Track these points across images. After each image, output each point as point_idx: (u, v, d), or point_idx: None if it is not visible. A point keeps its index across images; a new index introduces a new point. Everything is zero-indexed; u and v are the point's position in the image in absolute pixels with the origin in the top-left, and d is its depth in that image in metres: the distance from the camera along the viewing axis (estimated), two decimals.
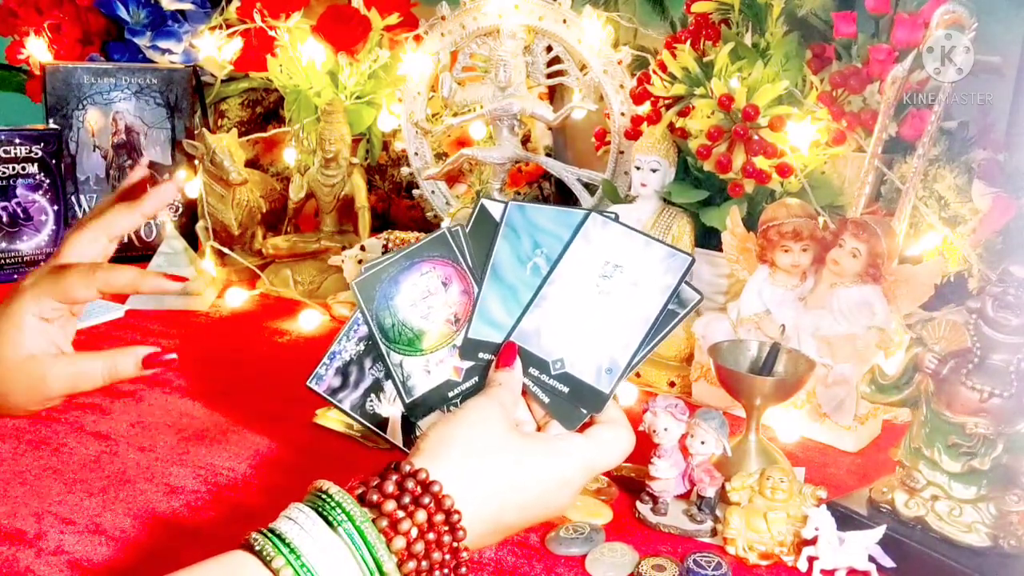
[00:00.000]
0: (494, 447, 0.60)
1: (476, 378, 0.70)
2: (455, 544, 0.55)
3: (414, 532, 0.54)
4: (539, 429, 0.68)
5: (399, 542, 0.53)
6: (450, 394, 0.71)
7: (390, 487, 0.55)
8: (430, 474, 0.56)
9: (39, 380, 0.71)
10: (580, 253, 0.71)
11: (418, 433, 0.71)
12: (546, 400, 0.67)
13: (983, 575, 0.66)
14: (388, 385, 0.72)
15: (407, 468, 0.56)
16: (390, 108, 1.47)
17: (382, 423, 0.72)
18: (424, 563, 0.54)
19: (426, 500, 0.55)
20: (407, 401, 0.71)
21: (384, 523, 0.54)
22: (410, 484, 0.55)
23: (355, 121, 1.46)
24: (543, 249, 0.72)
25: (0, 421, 0.88)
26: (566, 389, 0.67)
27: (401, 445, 0.72)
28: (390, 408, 0.72)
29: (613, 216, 0.72)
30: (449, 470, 0.57)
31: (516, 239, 0.72)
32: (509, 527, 0.61)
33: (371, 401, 0.72)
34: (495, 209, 0.74)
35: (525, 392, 0.68)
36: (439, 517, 0.55)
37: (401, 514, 0.54)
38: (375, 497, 0.55)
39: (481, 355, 0.70)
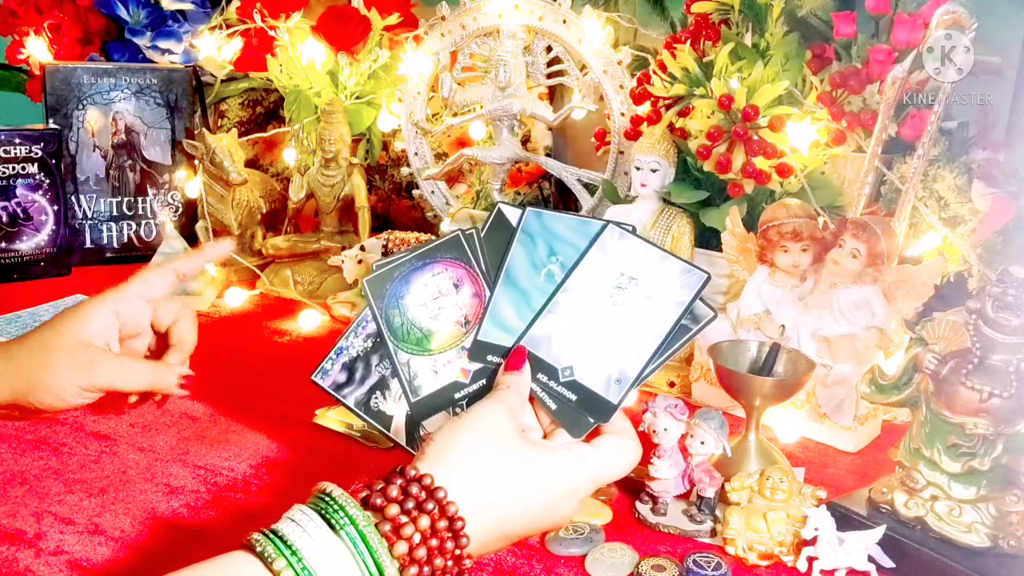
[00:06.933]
0: (500, 454, 0.60)
1: (483, 381, 0.70)
2: (458, 551, 0.55)
3: (417, 538, 0.53)
4: (545, 436, 0.68)
5: (401, 547, 0.53)
6: (456, 395, 0.71)
7: (394, 491, 0.55)
8: (435, 479, 0.56)
9: (87, 366, 0.74)
10: (596, 263, 0.71)
11: (422, 433, 0.71)
12: (553, 407, 0.67)
13: (983, 575, 0.66)
14: (394, 383, 0.72)
15: (412, 473, 0.56)
16: (390, 108, 1.47)
17: (386, 421, 0.72)
18: (426, 569, 0.54)
19: (430, 506, 0.55)
20: (412, 400, 0.71)
21: (387, 527, 0.53)
22: (414, 489, 0.55)
23: (355, 121, 1.46)
24: (559, 257, 0.72)
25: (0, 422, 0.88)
26: (574, 397, 0.67)
27: (404, 444, 0.72)
28: (395, 407, 0.72)
29: (631, 229, 0.72)
30: (454, 476, 0.57)
31: (532, 245, 0.72)
32: (513, 535, 0.61)
33: (376, 399, 0.72)
34: (512, 214, 0.74)
35: (532, 398, 0.68)
36: (443, 523, 0.55)
37: (404, 519, 0.54)
38: (379, 501, 0.54)
39: (490, 358, 0.70)
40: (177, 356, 0.80)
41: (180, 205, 1.55)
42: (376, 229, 1.43)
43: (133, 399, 0.81)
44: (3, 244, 1.40)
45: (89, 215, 1.51)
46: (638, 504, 0.78)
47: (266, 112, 1.71)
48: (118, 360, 0.76)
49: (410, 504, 0.54)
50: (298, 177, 1.44)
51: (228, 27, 1.55)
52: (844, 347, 0.92)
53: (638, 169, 1.10)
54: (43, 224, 1.43)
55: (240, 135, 1.51)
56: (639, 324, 0.68)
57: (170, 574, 0.51)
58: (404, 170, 1.52)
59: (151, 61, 1.59)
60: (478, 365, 0.71)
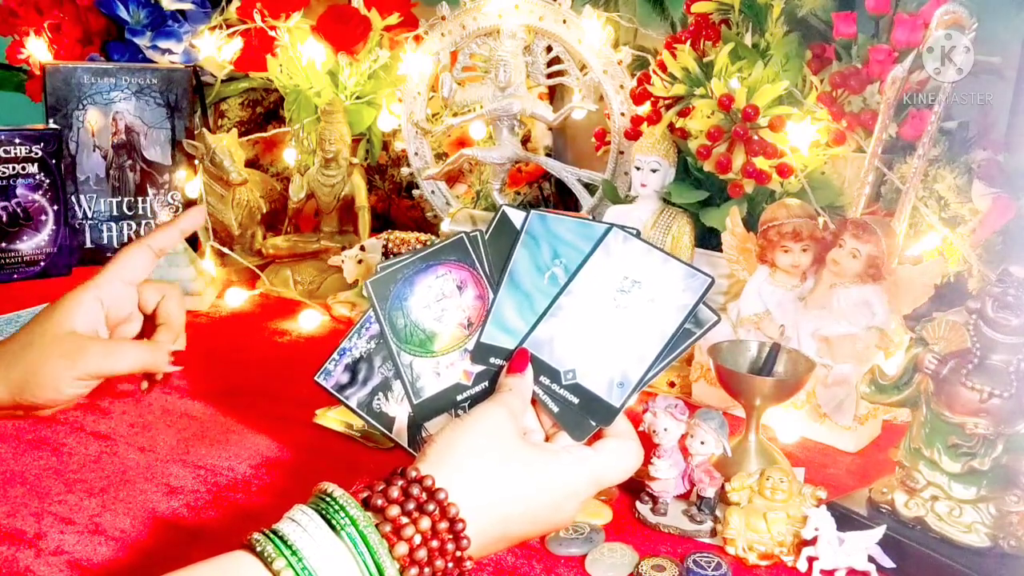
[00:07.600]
0: (502, 456, 0.60)
1: (486, 383, 0.70)
2: (458, 553, 0.55)
3: (417, 539, 0.53)
4: (547, 439, 0.68)
5: (402, 548, 0.53)
6: (459, 397, 0.71)
7: (395, 492, 0.55)
8: (436, 481, 0.56)
9: (76, 353, 0.72)
10: (599, 266, 0.71)
11: (424, 435, 0.71)
12: (555, 410, 0.67)
13: (983, 575, 0.66)
14: (397, 385, 0.72)
15: (413, 474, 0.56)
16: (390, 108, 1.47)
17: (388, 422, 0.72)
18: (427, 570, 0.54)
19: (431, 507, 0.55)
20: (415, 402, 0.71)
21: (387, 528, 0.53)
22: (415, 490, 0.55)
23: (355, 121, 1.46)
24: (562, 259, 0.72)
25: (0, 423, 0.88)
26: (576, 400, 0.67)
27: (406, 446, 0.72)
28: (397, 408, 0.72)
29: (635, 232, 0.72)
30: (455, 478, 0.57)
31: (536, 248, 0.72)
32: (514, 537, 0.61)
33: (378, 400, 0.72)
34: (516, 217, 0.74)
35: (534, 400, 0.68)
36: (443, 525, 0.55)
37: (405, 520, 0.54)
38: (379, 502, 0.54)
39: (493, 360, 0.70)
40: (166, 335, 0.78)
41: (180, 205, 1.54)
42: (376, 229, 1.43)
43: (144, 386, 0.80)
44: (3, 244, 1.40)
45: (89, 215, 1.51)
46: (638, 504, 0.78)
47: (266, 112, 1.71)
48: (107, 344, 0.75)
49: (411, 505, 0.54)
50: (298, 177, 1.44)
51: (228, 27, 1.55)
52: (844, 347, 0.92)
53: (638, 169, 1.10)
54: (43, 224, 1.43)
55: (240, 135, 1.51)
56: (642, 327, 0.68)
57: (170, 574, 0.51)
58: (404, 170, 1.52)
59: (151, 61, 1.59)
60: (480, 367, 0.71)
